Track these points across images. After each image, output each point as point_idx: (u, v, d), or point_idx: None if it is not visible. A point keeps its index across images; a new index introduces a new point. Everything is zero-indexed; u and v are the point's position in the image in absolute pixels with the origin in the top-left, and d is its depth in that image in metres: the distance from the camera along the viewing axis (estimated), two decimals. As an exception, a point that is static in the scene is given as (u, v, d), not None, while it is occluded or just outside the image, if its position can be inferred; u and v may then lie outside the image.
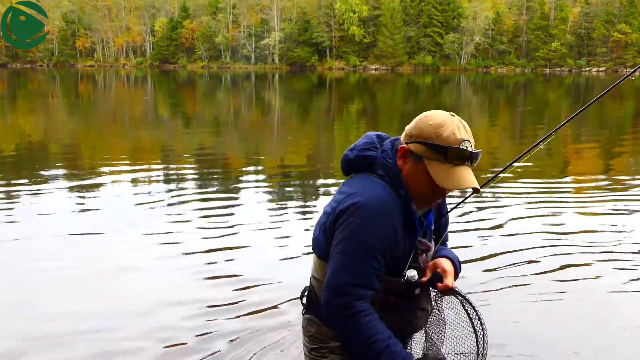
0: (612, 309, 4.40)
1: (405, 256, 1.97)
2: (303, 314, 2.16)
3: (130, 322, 4.08)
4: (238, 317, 4.12)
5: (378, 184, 1.94)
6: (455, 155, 1.87)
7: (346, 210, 1.90)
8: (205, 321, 4.06)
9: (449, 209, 2.28)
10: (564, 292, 4.62)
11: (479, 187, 1.90)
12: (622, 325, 4.11)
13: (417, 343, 2.25)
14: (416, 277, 1.97)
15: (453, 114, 1.94)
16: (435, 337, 2.16)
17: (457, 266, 2.12)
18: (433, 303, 2.17)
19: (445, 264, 2.06)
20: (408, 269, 1.97)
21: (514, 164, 3.29)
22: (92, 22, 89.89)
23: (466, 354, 2.07)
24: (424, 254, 2.05)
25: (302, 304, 2.16)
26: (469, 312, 2.05)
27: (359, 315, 1.88)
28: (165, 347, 3.73)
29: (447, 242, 2.26)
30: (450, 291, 2.05)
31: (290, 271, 4.99)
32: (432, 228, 2.12)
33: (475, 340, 2.00)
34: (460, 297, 2.06)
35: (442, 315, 2.15)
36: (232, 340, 3.79)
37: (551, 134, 3.04)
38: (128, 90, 41.52)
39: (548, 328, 3.99)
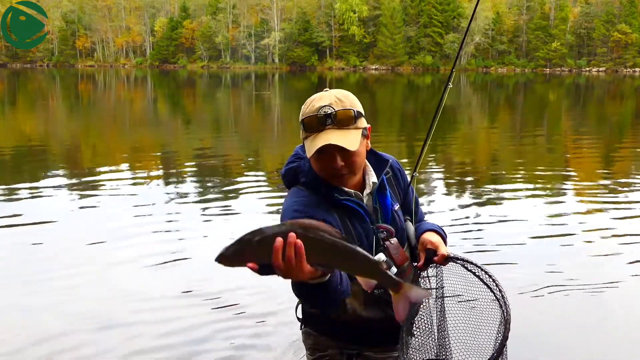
0: (619, 306, 4.40)
1: (363, 244, 1.94)
2: (301, 328, 2.15)
3: (125, 324, 4.07)
4: (237, 327, 4.04)
5: (291, 197, 1.97)
6: (309, 123, 1.83)
7: None
8: (204, 329, 4.04)
9: (409, 184, 2.18)
10: (567, 293, 4.62)
11: (337, 143, 1.78)
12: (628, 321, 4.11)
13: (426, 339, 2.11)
14: (384, 257, 1.94)
15: (327, 89, 1.91)
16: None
17: (442, 234, 2.09)
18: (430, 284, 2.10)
19: (431, 237, 2.03)
20: (375, 254, 1.95)
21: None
22: (92, 22, 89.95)
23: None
24: (389, 239, 1.99)
25: (298, 318, 2.15)
26: (474, 271, 1.98)
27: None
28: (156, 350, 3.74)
29: (424, 219, 2.24)
30: (449, 259, 1.99)
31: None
32: (396, 209, 2.08)
33: (492, 294, 1.94)
34: (460, 262, 2.00)
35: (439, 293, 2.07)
36: (231, 347, 3.79)
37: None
38: (128, 91, 41.52)
39: (549, 330, 3.99)
